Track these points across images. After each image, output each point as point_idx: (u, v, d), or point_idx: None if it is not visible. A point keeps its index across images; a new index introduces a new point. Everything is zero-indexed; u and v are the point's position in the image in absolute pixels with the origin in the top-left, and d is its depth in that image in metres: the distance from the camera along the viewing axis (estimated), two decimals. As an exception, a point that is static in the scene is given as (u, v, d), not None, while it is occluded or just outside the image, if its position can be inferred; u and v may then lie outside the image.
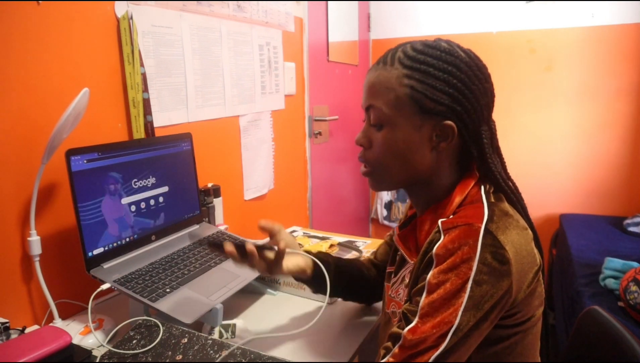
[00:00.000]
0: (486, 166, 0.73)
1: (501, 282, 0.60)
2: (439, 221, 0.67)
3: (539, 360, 0.74)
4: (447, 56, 0.69)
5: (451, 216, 0.68)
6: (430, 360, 0.59)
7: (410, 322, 0.62)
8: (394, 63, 0.70)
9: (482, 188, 0.71)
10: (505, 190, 0.74)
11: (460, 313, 0.59)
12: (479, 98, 0.71)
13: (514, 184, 0.75)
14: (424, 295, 0.62)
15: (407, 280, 0.75)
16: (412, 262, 0.75)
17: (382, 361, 0.63)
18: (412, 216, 0.83)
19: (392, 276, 0.84)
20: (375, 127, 0.73)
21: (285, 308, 1.07)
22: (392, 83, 0.69)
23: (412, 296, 0.65)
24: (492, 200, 0.69)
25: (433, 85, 0.68)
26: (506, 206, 0.70)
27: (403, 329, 0.63)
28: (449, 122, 0.69)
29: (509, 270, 0.61)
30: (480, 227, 0.62)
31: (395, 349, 0.62)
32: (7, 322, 0.87)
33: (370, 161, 0.75)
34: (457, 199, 0.71)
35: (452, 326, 0.59)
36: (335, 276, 0.91)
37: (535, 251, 0.67)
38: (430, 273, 0.63)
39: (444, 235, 0.64)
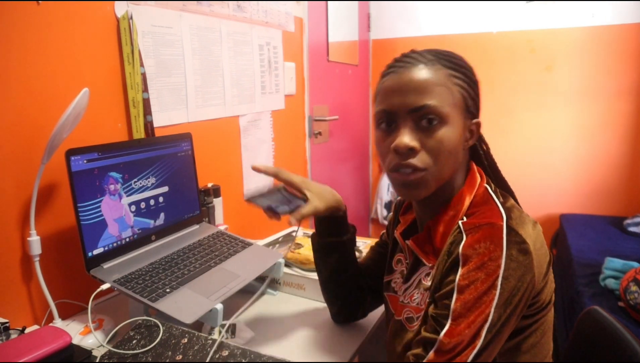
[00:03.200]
0: (490, 162, 0.79)
1: (525, 275, 0.62)
2: (460, 222, 0.68)
3: (552, 345, 0.75)
4: (466, 64, 0.74)
5: (465, 218, 0.70)
6: (469, 360, 0.60)
7: (444, 326, 0.61)
8: (435, 64, 0.70)
9: (490, 187, 0.74)
10: (504, 186, 0.79)
11: (492, 309, 0.60)
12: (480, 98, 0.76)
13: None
14: (455, 296, 0.62)
15: (425, 283, 0.75)
16: (429, 265, 0.75)
17: None
18: (413, 221, 0.83)
19: (398, 284, 0.83)
20: (425, 128, 0.69)
21: (285, 308, 1.07)
22: (445, 81, 0.69)
23: (438, 300, 0.65)
24: (502, 199, 0.71)
25: (471, 85, 0.72)
26: (513, 203, 0.73)
27: (434, 333, 0.62)
28: (478, 120, 0.74)
29: (531, 263, 0.62)
30: (502, 225, 0.64)
31: (431, 354, 0.61)
32: (7, 322, 0.87)
33: (423, 164, 0.69)
34: (467, 200, 0.72)
35: (485, 323, 0.60)
36: (346, 244, 0.92)
37: (545, 243, 0.69)
38: (459, 273, 0.63)
39: (467, 235, 0.65)
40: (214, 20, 1.45)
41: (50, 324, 0.96)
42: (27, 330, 0.90)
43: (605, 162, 2.60)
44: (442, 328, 0.61)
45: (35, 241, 0.95)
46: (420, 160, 0.69)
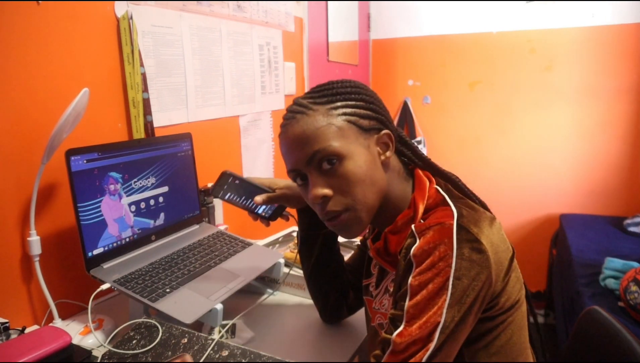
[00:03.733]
0: (423, 160, 0.78)
1: (480, 274, 0.61)
2: (412, 226, 0.68)
3: (528, 342, 0.75)
4: (343, 83, 0.73)
5: (421, 221, 0.70)
6: (423, 361, 0.60)
7: (398, 327, 0.62)
8: (309, 108, 0.71)
9: (440, 188, 0.73)
10: (444, 176, 0.77)
11: (444, 310, 0.60)
12: (383, 107, 0.75)
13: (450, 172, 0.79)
14: (408, 298, 0.62)
15: (390, 290, 0.76)
16: (393, 272, 0.76)
17: None
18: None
19: (374, 288, 0.84)
20: (329, 170, 0.69)
21: (285, 308, 1.07)
22: (325, 120, 0.69)
23: (397, 302, 0.66)
24: (454, 199, 0.71)
25: (356, 105, 0.71)
26: (468, 201, 0.72)
27: (390, 334, 0.63)
28: (385, 131, 0.73)
29: (487, 262, 0.62)
30: (452, 224, 0.64)
31: (386, 356, 0.62)
32: (7, 322, 0.87)
33: (343, 204, 0.70)
34: (421, 206, 0.72)
35: (438, 324, 0.60)
36: (327, 238, 0.94)
37: (506, 238, 0.68)
38: (411, 276, 0.63)
39: (419, 238, 0.65)
40: (214, 20, 1.45)
41: (50, 324, 0.96)
42: (27, 330, 0.90)
43: (605, 162, 2.60)
44: (396, 329, 0.62)
45: (35, 241, 0.95)
46: (336, 203, 0.70)
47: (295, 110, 0.72)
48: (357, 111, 0.71)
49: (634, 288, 1.50)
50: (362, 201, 0.70)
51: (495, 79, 2.70)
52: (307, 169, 0.71)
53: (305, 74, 2.05)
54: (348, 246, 1.35)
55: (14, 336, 0.87)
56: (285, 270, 1.14)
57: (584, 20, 2.51)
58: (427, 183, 0.74)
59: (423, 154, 0.79)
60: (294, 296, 1.13)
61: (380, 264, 0.79)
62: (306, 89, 2.06)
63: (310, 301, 1.09)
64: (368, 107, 0.72)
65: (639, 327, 1.48)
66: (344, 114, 0.70)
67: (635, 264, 1.73)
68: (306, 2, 2.00)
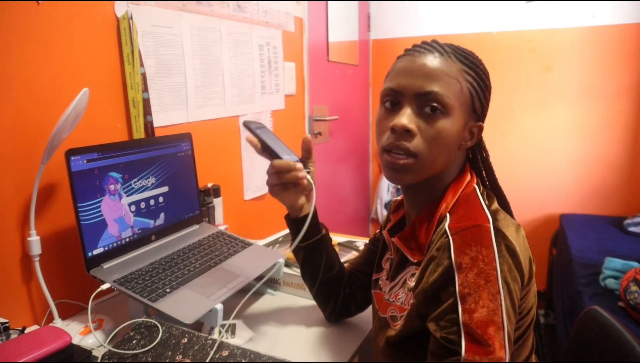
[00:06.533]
0: (487, 169, 0.78)
1: (517, 275, 0.62)
2: (446, 226, 0.67)
3: (533, 343, 0.75)
4: (483, 66, 0.74)
5: (448, 215, 0.70)
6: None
7: (457, 343, 0.58)
8: (451, 56, 0.70)
9: (477, 189, 0.74)
10: (497, 193, 0.78)
11: (504, 317, 0.58)
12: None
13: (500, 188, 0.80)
14: (460, 309, 0.59)
15: (409, 284, 0.74)
16: (415, 261, 0.74)
17: None
18: (401, 218, 0.84)
19: (384, 282, 0.84)
20: (427, 115, 0.68)
21: (285, 308, 1.07)
22: (456, 75, 0.69)
23: (442, 315, 0.61)
24: (487, 202, 0.71)
25: (482, 87, 0.72)
26: (497, 205, 0.73)
27: (450, 355, 0.58)
28: (482, 124, 0.74)
29: (519, 263, 0.63)
30: (489, 227, 0.64)
31: None
32: (7, 322, 0.87)
33: (416, 149, 0.68)
34: (450, 198, 0.72)
35: (504, 335, 0.57)
36: (320, 243, 0.90)
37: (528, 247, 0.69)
38: (458, 283, 0.60)
39: (454, 240, 0.64)
40: (214, 20, 1.45)
41: (50, 324, 0.96)
42: (27, 330, 0.90)
43: (605, 162, 2.60)
44: (457, 347, 0.57)
45: (35, 241, 0.95)
46: (414, 145, 0.69)
47: (437, 48, 0.71)
48: (480, 91, 0.72)
49: (634, 288, 1.50)
50: (432, 159, 0.70)
51: (495, 79, 2.67)
52: (409, 100, 0.70)
53: (305, 74, 2.05)
54: (348, 246, 1.35)
55: (14, 336, 0.87)
56: (286, 270, 1.14)
57: (584, 20, 2.51)
58: (468, 178, 0.74)
59: (491, 166, 0.80)
60: (294, 296, 1.13)
61: (403, 251, 0.76)
62: (306, 89, 2.06)
63: (310, 301, 1.09)
64: (486, 97, 0.74)
65: (639, 327, 1.48)
66: (471, 84, 0.71)
67: (635, 264, 1.73)
68: (306, 2, 2.00)
